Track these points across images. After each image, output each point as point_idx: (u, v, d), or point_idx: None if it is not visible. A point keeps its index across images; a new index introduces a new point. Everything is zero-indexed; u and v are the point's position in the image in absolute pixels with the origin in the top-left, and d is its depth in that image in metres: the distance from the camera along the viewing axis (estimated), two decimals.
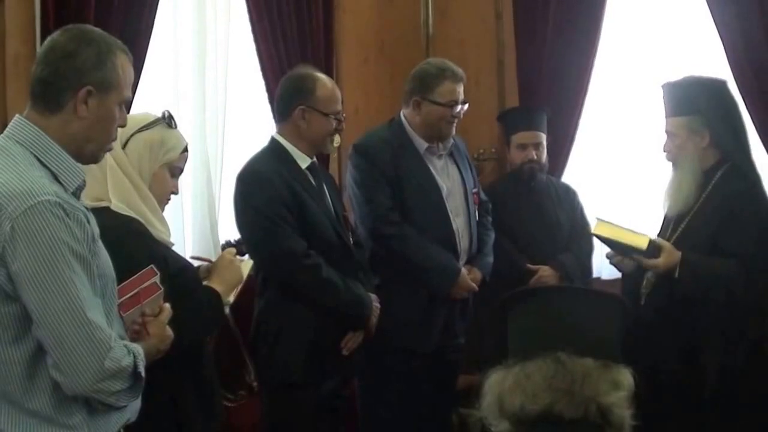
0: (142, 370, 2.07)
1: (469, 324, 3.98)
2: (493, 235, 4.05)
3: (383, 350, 3.72)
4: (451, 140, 3.93)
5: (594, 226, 3.57)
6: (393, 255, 3.78)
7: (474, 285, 3.85)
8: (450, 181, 3.91)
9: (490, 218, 4.08)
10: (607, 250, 3.59)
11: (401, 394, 3.81)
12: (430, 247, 3.77)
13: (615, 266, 3.58)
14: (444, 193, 3.85)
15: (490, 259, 3.99)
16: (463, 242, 3.89)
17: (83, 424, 2.05)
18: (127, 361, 2.02)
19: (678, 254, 3.36)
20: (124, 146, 2.58)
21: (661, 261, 3.37)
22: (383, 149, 3.81)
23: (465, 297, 3.87)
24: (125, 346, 2.05)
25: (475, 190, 3.99)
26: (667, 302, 3.40)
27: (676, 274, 3.34)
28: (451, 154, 3.96)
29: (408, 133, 3.87)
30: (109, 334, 2.01)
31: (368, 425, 3.91)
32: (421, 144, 3.86)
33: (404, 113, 3.90)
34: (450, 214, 3.85)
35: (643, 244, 3.40)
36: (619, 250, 3.50)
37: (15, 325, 1.99)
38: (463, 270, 3.84)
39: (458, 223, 3.88)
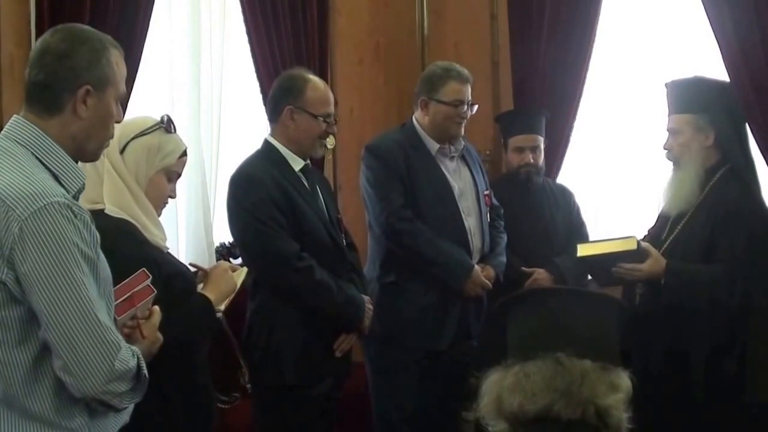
0: (145, 371, 2.07)
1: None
2: (505, 238, 4.08)
3: (396, 347, 3.77)
4: (462, 143, 3.98)
5: (578, 252, 3.58)
6: (406, 251, 3.80)
7: (487, 282, 3.87)
8: (462, 181, 3.96)
9: (502, 222, 4.11)
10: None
11: (413, 391, 3.84)
12: (443, 243, 3.81)
13: (620, 280, 3.55)
14: (456, 192, 3.90)
15: (503, 258, 4.02)
16: (475, 241, 3.92)
17: (83, 426, 2.05)
18: (132, 362, 2.03)
19: (664, 262, 3.36)
20: (122, 151, 2.58)
21: (645, 266, 3.38)
22: (396, 150, 3.86)
23: (479, 294, 3.88)
24: (129, 348, 2.05)
25: (486, 192, 4.03)
26: (658, 303, 3.41)
27: (662, 281, 3.35)
28: (462, 157, 4.00)
29: (420, 135, 3.92)
30: (117, 335, 2.02)
31: (380, 421, 3.93)
32: (433, 145, 3.91)
33: (415, 116, 3.97)
34: (462, 213, 3.89)
35: (632, 245, 3.42)
36: (608, 263, 3.48)
37: (19, 327, 1.98)
38: (477, 267, 3.86)
39: (470, 222, 3.91)
